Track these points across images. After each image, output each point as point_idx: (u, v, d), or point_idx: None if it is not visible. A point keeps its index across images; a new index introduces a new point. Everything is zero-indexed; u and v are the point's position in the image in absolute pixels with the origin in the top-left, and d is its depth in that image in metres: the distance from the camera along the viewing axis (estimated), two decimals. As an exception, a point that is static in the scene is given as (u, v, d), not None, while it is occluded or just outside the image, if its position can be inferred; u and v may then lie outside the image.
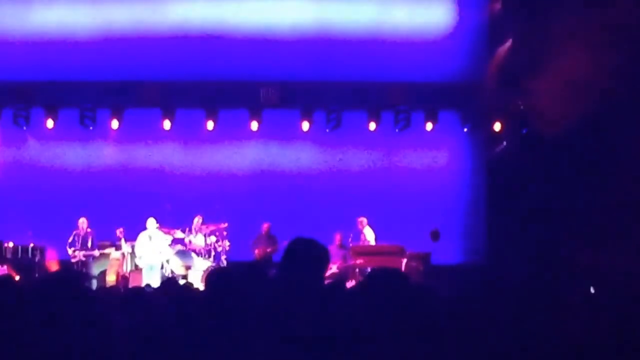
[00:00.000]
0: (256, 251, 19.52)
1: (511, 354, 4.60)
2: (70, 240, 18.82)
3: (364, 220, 19.36)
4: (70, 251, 18.73)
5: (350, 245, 19.02)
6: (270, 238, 19.60)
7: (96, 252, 18.81)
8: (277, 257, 18.53)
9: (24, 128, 20.40)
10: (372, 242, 19.24)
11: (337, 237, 19.05)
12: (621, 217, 17.41)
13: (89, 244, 18.81)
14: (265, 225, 19.68)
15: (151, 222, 18.55)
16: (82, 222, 18.84)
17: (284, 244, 7.49)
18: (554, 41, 18.18)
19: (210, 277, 5.29)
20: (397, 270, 5.14)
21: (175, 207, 19.58)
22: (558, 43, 18.00)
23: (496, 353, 4.57)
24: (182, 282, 15.72)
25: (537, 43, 18.87)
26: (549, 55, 18.21)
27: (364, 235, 19.30)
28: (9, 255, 18.87)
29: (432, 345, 4.40)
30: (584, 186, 18.35)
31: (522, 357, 4.61)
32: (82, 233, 18.82)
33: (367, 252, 18.68)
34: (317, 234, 5.29)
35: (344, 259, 18.73)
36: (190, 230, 19.38)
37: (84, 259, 18.73)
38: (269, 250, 19.42)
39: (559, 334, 4.85)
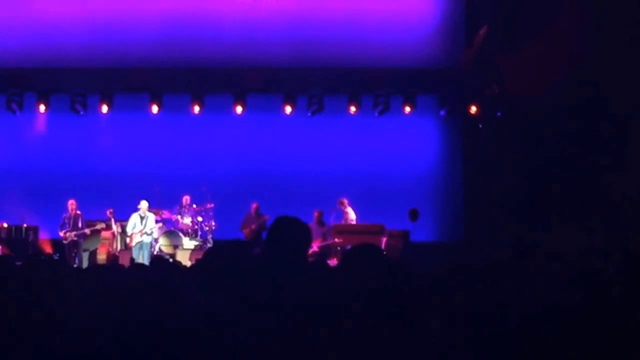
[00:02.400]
0: (245, 231, 19.94)
1: (484, 329, 4.66)
2: (61, 223, 19.15)
3: (345, 200, 19.74)
4: (61, 233, 19.08)
5: (332, 223, 19.39)
6: (259, 217, 20.00)
7: (87, 231, 19.15)
8: (265, 235, 18.76)
9: (16, 113, 20.83)
10: (354, 222, 19.57)
11: (316, 215, 19.48)
12: (596, 197, 17.82)
13: (79, 225, 19.13)
14: (253, 206, 20.08)
15: (143, 204, 19.03)
16: (71, 204, 19.13)
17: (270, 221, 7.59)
18: (529, 26, 18.57)
19: (208, 255, 5.50)
20: (375, 246, 5.42)
21: (163, 188, 20.00)
22: (533, 28, 18.38)
23: (470, 327, 4.64)
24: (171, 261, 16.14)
25: (512, 28, 19.21)
26: (524, 41, 18.54)
27: (347, 215, 19.62)
28: (3, 235, 19.37)
29: (409, 318, 4.53)
30: (558, 168, 18.73)
31: (495, 332, 4.66)
32: (72, 214, 19.12)
33: (347, 230, 18.98)
34: (299, 213, 5.59)
35: (324, 237, 19.16)
36: (178, 211, 19.88)
37: (75, 238, 19.07)
38: (256, 227, 19.78)
39: (532, 310, 4.91)
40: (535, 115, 18.85)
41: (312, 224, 18.73)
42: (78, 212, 19.19)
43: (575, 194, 18.17)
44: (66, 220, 19.13)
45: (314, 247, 18.44)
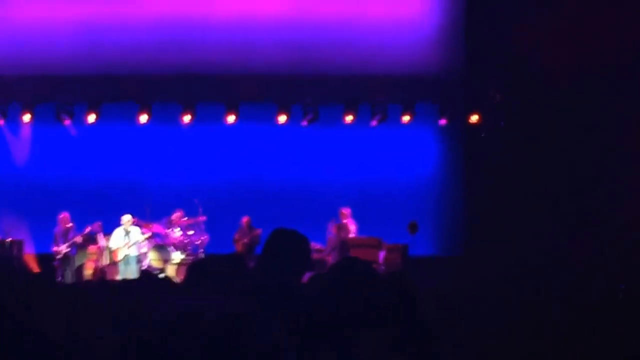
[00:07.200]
0: (237, 245, 19.51)
1: (487, 343, 4.71)
2: (53, 239, 18.73)
3: (347, 210, 19.34)
4: (55, 249, 18.65)
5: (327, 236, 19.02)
6: (251, 230, 19.59)
7: (79, 239, 18.66)
8: (258, 250, 18.58)
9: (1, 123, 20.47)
10: (353, 234, 19.10)
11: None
12: (599, 205, 17.66)
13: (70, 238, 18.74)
14: (244, 219, 19.68)
15: (126, 218, 18.59)
16: (63, 217, 18.77)
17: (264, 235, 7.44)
18: (530, 33, 18.38)
19: (192, 268, 5.26)
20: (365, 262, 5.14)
21: (153, 200, 19.70)
22: (534, 35, 18.22)
23: (473, 341, 4.71)
24: (160, 275, 15.81)
25: (514, 35, 19.02)
26: (525, 48, 18.38)
27: (347, 226, 19.15)
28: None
29: (408, 332, 4.45)
30: (562, 177, 18.53)
31: (498, 345, 4.71)
32: (63, 228, 18.72)
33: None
34: (294, 225, 5.27)
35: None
36: (168, 224, 19.43)
37: (68, 250, 18.62)
38: (249, 242, 19.38)
39: (535, 325, 4.96)
40: (540, 124, 18.64)
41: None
42: (69, 225, 18.76)
43: (581, 205, 18.01)
44: (57, 236, 18.73)
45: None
